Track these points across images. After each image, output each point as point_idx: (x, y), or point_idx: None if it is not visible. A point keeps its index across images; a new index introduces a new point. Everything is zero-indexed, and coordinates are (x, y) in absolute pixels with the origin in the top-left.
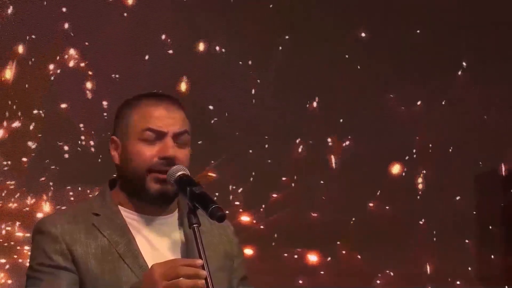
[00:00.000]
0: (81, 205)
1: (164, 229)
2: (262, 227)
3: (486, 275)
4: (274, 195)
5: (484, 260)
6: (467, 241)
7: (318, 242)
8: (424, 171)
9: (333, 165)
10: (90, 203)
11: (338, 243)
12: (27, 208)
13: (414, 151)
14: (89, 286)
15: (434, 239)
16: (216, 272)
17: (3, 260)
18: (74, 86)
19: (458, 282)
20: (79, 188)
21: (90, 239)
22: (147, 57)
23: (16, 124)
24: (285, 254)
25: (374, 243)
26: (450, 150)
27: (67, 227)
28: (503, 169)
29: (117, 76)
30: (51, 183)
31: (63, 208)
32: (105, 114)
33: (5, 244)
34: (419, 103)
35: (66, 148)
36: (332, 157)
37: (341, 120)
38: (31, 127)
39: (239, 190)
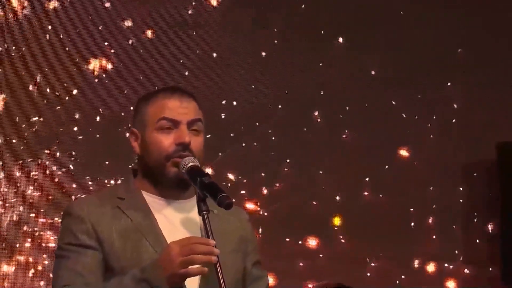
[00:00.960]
0: (107, 191)
1: (184, 212)
2: (265, 214)
3: (472, 258)
4: (277, 185)
5: (470, 245)
6: (454, 226)
7: (317, 228)
8: (415, 163)
9: (331, 157)
10: (115, 189)
11: (336, 228)
12: (50, 196)
13: (406, 144)
14: (113, 263)
15: (424, 225)
16: (231, 253)
17: (28, 245)
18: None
19: (446, 265)
20: (97, 179)
21: (114, 220)
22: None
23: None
24: (287, 239)
25: (369, 229)
26: (439, 142)
27: (93, 209)
28: (490, 160)
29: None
30: (72, 173)
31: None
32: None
33: (30, 229)
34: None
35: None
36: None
37: (340, 116)
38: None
39: (245, 181)
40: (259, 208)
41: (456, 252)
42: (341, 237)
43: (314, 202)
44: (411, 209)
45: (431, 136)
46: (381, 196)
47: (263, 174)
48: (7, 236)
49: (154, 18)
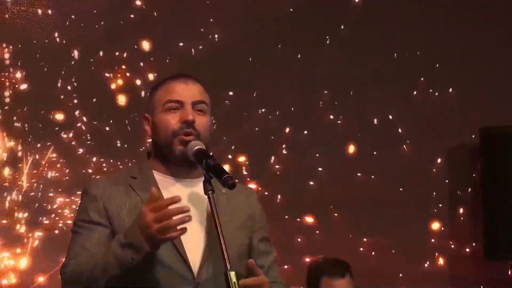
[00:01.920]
0: (124, 171)
1: (192, 190)
2: (266, 193)
3: (457, 235)
4: (277, 166)
5: (455, 221)
6: (440, 205)
7: (314, 206)
8: (405, 146)
9: (327, 142)
10: (130, 169)
11: (331, 207)
12: (67, 177)
13: (399, 129)
14: None
15: (412, 204)
16: (238, 229)
17: (46, 221)
18: None
19: (432, 240)
20: (111, 161)
21: (126, 198)
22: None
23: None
24: (286, 217)
25: (361, 207)
26: (427, 127)
27: (107, 189)
28: (473, 144)
29: None
30: (87, 156)
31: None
32: None
33: (48, 207)
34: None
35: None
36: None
37: (336, 103)
38: (77, 113)
39: (247, 162)
40: (260, 188)
41: (442, 229)
42: (336, 215)
43: (311, 183)
44: (400, 189)
45: (419, 121)
46: (372, 177)
47: (264, 157)
48: (28, 214)
49: None
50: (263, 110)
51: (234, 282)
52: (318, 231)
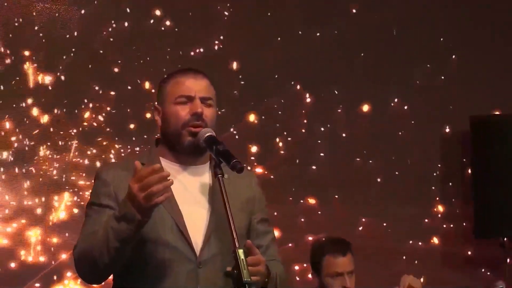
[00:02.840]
0: (133, 157)
1: (196, 176)
2: (272, 177)
3: (449, 215)
4: (282, 152)
5: (447, 202)
6: (433, 188)
7: (316, 189)
8: (400, 133)
9: (329, 129)
10: (140, 155)
11: (332, 189)
12: (87, 161)
13: (395, 118)
14: None
15: (407, 188)
16: (237, 212)
17: (69, 203)
18: None
19: (426, 220)
20: (128, 147)
21: None
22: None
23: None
24: (290, 198)
25: (360, 190)
26: (421, 115)
27: (117, 174)
28: (464, 131)
29: None
30: (105, 143)
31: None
32: None
33: (71, 190)
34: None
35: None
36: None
37: (336, 92)
38: (91, 105)
39: (254, 148)
40: (266, 172)
41: (435, 210)
42: (336, 196)
43: (313, 167)
44: (396, 173)
45: (414, 110)
46: (370, 161)
47: (270, 143)
48: (52, 196)
49: None
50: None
51: (242, 259)
52: (319, 211)
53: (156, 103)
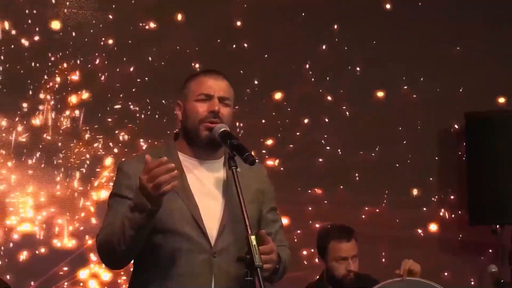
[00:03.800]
0: (152, 150)
1: (211, 170)
2: (282, 169)
3: (445, 204)
4: (291, 146)
5: (444, 192)
6: (431, 179)
7: (322, 180)
8: (400, 128)
9: (334, 126)
10: (159, 149)
11: (337, 180)
12: (112, 155)
13: (394, 113)
14: None
15: (407, 178)
16: (248, 204)
17: (94, 193)
18: None
19: (424, 209)
20: (149, 141)
21: None
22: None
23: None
24: (298, 188)
25: (363, 181)
26: (420, 111)
27: (138, 167)
28: (458, 126)
29: None
30: (127, 137)
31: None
32: None
33: (97, 182)
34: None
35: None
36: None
37: (341, 91)
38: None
39: (266, 142)
40: (276, 164)
41: (432, 199)
42: (341, 187)
43: (320, 160)
44: (397, 165)
45: (412, 107)
46: (372, 154)
47: (280, 137)
48: (78, 186)
49: None
50: (281, 98)
51: (254, 245)
52: (325, 201)
53: (178, 99)
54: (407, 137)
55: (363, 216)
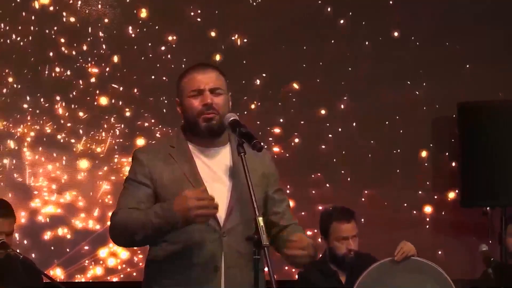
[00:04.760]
0: (164, 140)
1: (218, 156)
2: (287, 155)
3: (439, 187)
4: (295, 134)
5: (437, 176)
6: (426, 164)
7: (325, 165)
8: (397, 117)
9: (335, 115)
10: (170, 139)
11: (338, 166)
12: (128, 143)
13: (391, 105)
14: (162, 196)
15: (404, 163)
16: (255, 186)
17: (113, 178)
18: None
19: (420, 192)
20: (163, 129)
21: (166, 164)
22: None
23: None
24: (303, 173)
25: (363, 166)
26: (416, 101)
27: (152, 155)
28: (452, 116)
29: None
30: (145, 124)
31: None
32: None
33: (115, 167)
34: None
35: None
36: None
37: (342, 83)
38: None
39: (272, 130)
40: (282, 151)
41: (428, 183)
42: (342, 172)
43: (323, 146)
44: (394, 151)
45: (408, 98)
46: (372, 142)
47: (285, 126)
48: (98, 171)
49: None
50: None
51: (262, 226)
52: (328, 184)
53: (177, 97)
54: (403, 126)
55: (363, 199)
